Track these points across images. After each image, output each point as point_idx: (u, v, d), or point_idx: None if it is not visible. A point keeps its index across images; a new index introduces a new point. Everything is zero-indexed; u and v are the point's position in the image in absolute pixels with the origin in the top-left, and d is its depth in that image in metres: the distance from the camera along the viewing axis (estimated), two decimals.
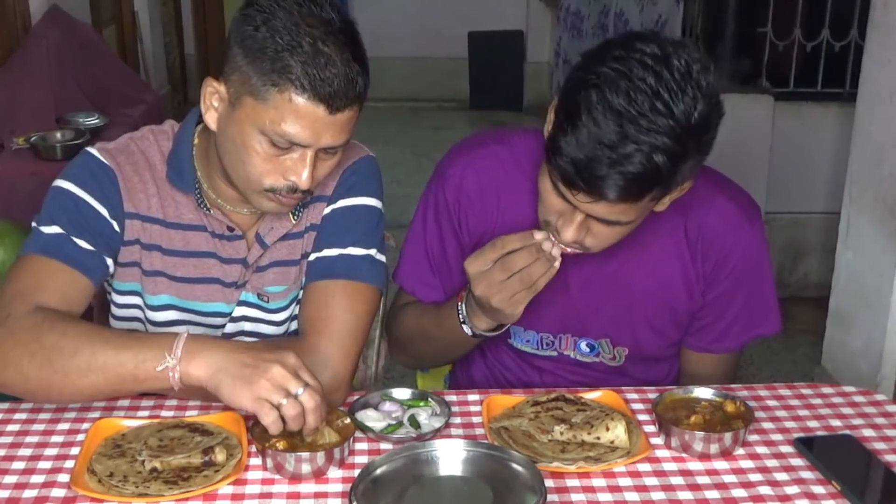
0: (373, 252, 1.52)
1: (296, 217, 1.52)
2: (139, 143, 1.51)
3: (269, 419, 1.23)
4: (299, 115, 1.29)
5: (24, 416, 1.41)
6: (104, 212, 1.45)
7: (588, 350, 1.64)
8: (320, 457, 1.27)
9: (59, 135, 3.50)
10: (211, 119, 1.39)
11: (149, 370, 1.28)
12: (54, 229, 1.42)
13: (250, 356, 1.27)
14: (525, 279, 1.39)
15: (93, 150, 1.48)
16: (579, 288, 1.59)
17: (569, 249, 1.42)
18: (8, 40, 3.82)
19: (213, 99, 1.38)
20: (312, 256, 1.52)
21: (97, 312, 1.63)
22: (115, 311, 1.56)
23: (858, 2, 3.80)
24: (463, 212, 1.61)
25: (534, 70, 7.30)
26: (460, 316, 1.52)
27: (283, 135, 1.31)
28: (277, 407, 1.23)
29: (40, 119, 3.58)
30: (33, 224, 1.45)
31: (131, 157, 1.49)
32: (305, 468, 1.26)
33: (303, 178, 1.34)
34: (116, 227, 1.46)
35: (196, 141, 1.49)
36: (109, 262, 1.47)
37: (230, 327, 1.55)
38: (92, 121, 3.72)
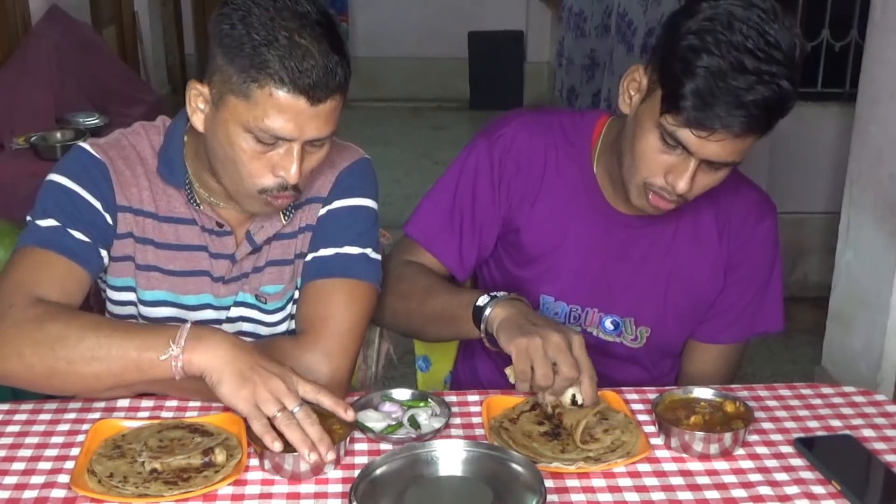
0: (368, 251, 1.53)
1: (286, 217, 1.52)
2: (130, 138, 1.52)
3: (258, 424, 1.26)
4: (281, 109, 1.30)
5: (24, 416, 1.41)
6: (97, 204, 1.46)
7: (612, 328, 1.66)
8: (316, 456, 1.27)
9: (59, 135, 3.51)
10: (198, 121, 1.40)
11: (152, 359, 1.30)
12: (50, 222, 1.43)
13: (254, 361, 1.30)
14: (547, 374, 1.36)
15: (84, 145, 1.50)
16: (615, 261, 1.63)
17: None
18: (8, 40, 3.81)
19: (198, 101, 1.39)
20: (309, 256, 1.53)
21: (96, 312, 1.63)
22: (111, 307, 1.56)
23: (858, 2, 3.80)
24: (507, 172, 1.64)
25: (534, 70, 7.30)
26: (481, 301, 1.47)
27: (267, 130, 1.31)
28: (272, 419, 1.26)
29: (40, 119, 3.58)
30: (28, 218, 1.45)
31: (122, 151, 1.50)
32: (304, 467, 1.26)
33: (291, 173, 1.35)
34: (109, 220, 1.47)
35: (186, 139, 1.49)
36: (104, 253, 1.47)
37: (228, 328, 1.55)
38: (92, 121, 3.72)
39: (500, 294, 1.48)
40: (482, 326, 1.47)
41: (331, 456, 1.26)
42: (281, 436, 1.29)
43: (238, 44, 1.29)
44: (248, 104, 1.31)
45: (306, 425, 1.26)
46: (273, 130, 1.31)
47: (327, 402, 1.31)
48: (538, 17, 7.27)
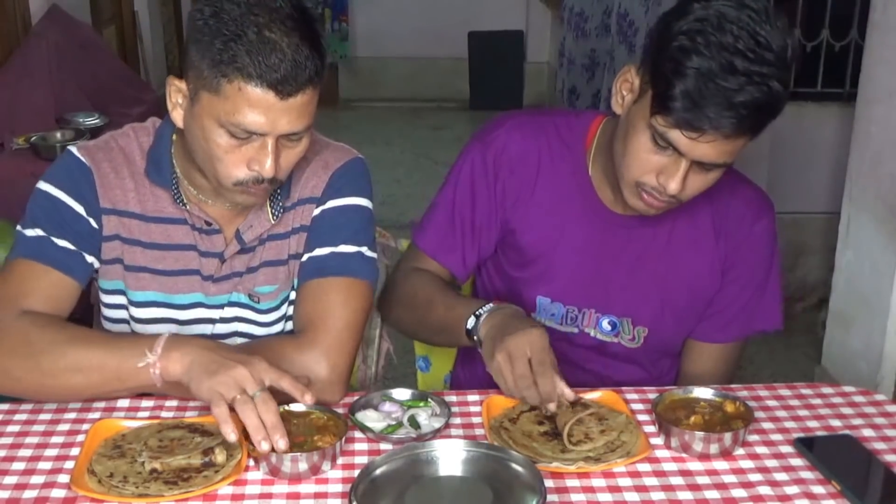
0: (363, 249, 1.53)
1: (275, 217, 1.52)
2: (119, 140, 1.54)
3: (217, 409, 1.25)
4: (251, 104, 1.30)
5: (24, 416, 1.41)
6: (81, 210, 1.47)
7: (609, 328, 1.67)
8: (311, 456, 1.27)
9: (59, 135, 3.51)
10: (178, 117, 1.41)
11: (131, 368, 1.33)
12: (36, 232, 1.45)
13: (222, 354, 1.31)
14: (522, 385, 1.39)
15: (72, 149, 1.52)
16: (611, 262, 1.63)
17: None
18: (8, 40, 3.81)
19: (177, 97, 1.39)
20: (305, 257, 1.53)
21: (97, 313, 1.63)
22: (105, 311, 1.57)
23: (858, 2, 3.79)
24: (501, 174, 1.64)
25: (534, 70, 7.30)
26: (476, 314, 1.51)
27: (239, 125, 1.31)
28: (231, 402, 1.25)
29: (40, 119, 3.58)
30: (17, 228, 1.47)
31: (110, 153, 1.51)
32: (302, 467, 1.27)
33: (266, 167, 1.35)
34: (94, 224, 1.48)
35: (174, 137, 1.50)
36: (91, 259, 1.49)
37: (222, 328, 1.56)
38: (92, 121, 3.72)
39: (484, 309, 1.51)
40: (478, 346, 1.51)
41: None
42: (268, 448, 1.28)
43: (209, 39, 1.30)
44: (219, 99, 1.31)
45: (263, 411, 1.25)
46: (244, 125, 1.31)
47: (286, 384, 1.30)
48: (538, 17, 7.28)
